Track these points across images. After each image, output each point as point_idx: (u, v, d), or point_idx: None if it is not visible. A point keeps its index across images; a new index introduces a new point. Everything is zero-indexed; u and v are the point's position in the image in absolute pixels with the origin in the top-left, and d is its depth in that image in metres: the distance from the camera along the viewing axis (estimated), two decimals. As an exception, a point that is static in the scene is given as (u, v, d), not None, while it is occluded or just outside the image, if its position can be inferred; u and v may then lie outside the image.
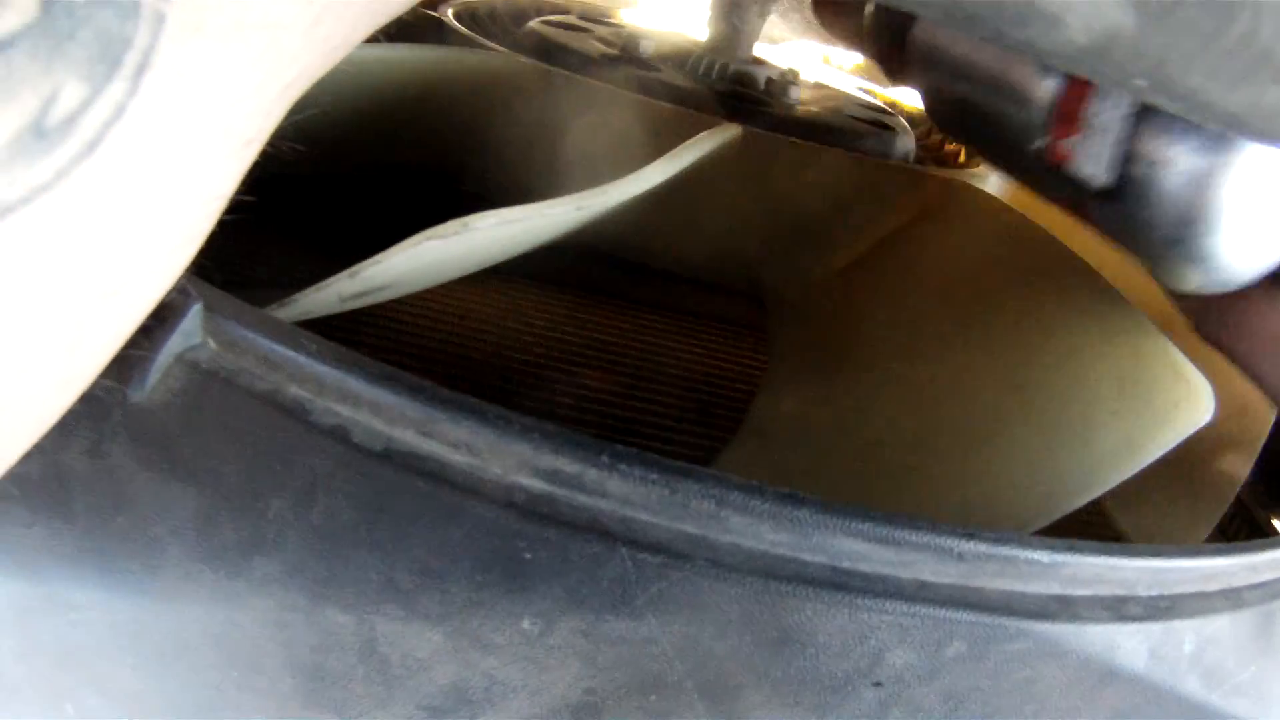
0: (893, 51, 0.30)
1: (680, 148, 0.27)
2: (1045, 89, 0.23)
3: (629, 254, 0.37)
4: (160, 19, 0.11)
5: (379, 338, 0.33)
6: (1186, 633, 0.21)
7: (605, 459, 0.16)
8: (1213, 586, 0.22)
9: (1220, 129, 0.15)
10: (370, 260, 0.21)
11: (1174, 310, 0.28)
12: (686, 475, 0.16)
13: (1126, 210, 0.22)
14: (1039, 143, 0.23)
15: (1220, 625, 0.21)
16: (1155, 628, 0.20)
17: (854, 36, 0.36)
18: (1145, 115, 0.21)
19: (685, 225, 0.33)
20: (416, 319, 0.34)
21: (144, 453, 0.17)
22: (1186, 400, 0.23)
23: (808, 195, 0.33)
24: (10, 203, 0.10)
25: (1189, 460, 0.31)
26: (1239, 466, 0.30)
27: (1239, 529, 0.36)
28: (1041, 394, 0.25)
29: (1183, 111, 0.15)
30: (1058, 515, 0.23)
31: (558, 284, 0.38)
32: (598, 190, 0.25)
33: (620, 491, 0.16)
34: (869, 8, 0.33)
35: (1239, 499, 0.38)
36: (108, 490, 0.17)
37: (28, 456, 0.14)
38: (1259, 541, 0.22)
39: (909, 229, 0.32)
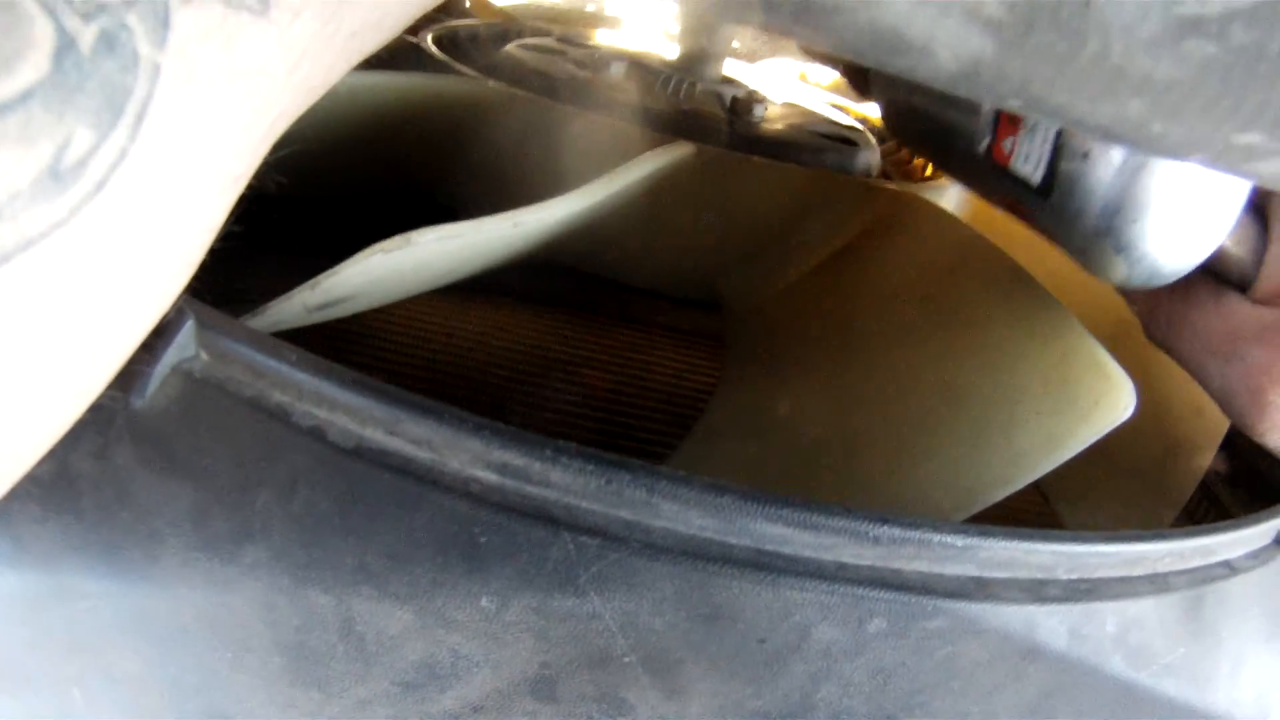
0: (861, 68, 0.32)
1: (623, 167, 0.29)
2: None
3: (597, 269, 0.39)
4: (156, 69, 0.12)
5: (369, 355, 0.35)
6: (1108, 614, 0.22)
7: (549, 453, 0.18)
8: (1137, 571, 0.23)
9: (1101, 138, 0.17)
10: (327, 272, 0.23)
11: (1123, 321, 0.29)
12: (621, 467, 0.18)
13: (1059, 203, 0.23)
14: (984, 144, 0.25)
15: (1145, 608, 0.23)
16: (1075, 609, 0.21)
17: (828, 54, 0.38)
18: None
19: (648, 240, 0.35)
20: (406, 337, 0.36)
21: (145, 454, 0.19)
22: (1108, 396, 0.24)
23: (763, 210, 0.35)
24: (32, 237, 0.12)
25: (1144, 462, 0.32)
26: (1195, 467, 0.31)
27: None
28: (969, 393, 0.26)
29: (1061, 124, 0.16)
30: (977, 509, 0.25)
31: (541, 302, 0.40)
32: (535, 207, 0.27)
33: (562, 482, 0.18)
34: None
35: (1218, 503, 0.39)
36: (112, 488, 0.19)
37: (41, 459, 0.15)
38: (1184, 529, 0.24)
39: (859, 241, 0.34)
